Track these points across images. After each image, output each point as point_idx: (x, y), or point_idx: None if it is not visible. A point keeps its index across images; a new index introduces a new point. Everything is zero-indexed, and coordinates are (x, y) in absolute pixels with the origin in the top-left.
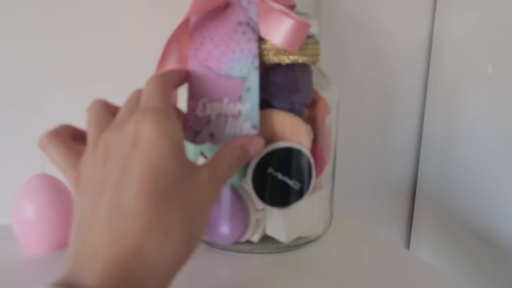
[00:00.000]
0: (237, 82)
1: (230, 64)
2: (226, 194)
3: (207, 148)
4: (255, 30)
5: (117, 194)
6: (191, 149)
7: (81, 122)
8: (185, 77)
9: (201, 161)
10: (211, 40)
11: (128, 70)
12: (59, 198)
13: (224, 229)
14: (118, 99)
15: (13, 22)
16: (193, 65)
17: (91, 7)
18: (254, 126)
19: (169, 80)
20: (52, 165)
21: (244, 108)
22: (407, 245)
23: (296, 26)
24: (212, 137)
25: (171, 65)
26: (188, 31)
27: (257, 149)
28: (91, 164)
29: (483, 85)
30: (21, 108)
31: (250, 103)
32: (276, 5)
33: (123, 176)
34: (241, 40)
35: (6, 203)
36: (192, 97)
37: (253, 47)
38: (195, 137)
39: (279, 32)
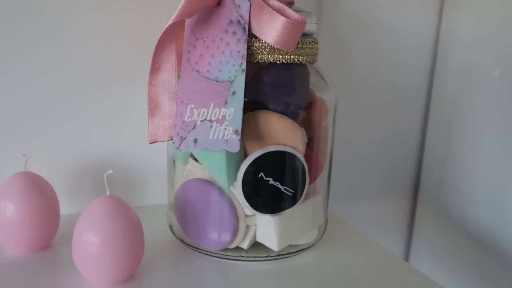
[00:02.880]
0: (224, 86)
1: (219, 67)
2: (214, 198)
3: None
4: (245, 29)
5: None
6: (181, 153)
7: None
8: None
9: (190, 164)
10: (204, 42)
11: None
12: (42, 197)
13: (212, 234)
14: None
15: None
16: (184, 70)
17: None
18: (236, 131)
19: None
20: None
21: (228, 113)
22: (408, 251)
23: (289, 24)
24: (196, 142)
25: (167, 71)
26: (183, 31)
27: None
28: None
29: (490, 89)
30: (4, 103)
31: (234, 108)
32: (272, 1)
33: None
34: (231, 40)
35: None
36: (182, 102)
37: (242, 48)
38: (180, 143)
39: (271, 30)
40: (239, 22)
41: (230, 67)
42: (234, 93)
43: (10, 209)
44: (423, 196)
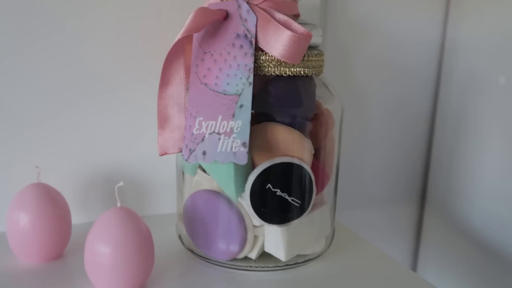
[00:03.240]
0: (231, 99)
1: (227, 80)
2: (223, 209)
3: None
4: (252, 43)
5: None
6: (189, 164)
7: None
8: None
9: (199, 175)
10: (211, 56)
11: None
12: (54, 208)
13: (221, 244)
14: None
15: None
16: (193, 83)
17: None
18: (244, 144)
19: None
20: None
21: (236, 126)
22: (415, 259)
23: (294, 37)
24: (204, 155)
25: (176, 85)
26: (191, 45)
27: None
28: None
29: (496, 95)
30: (16, 116)
31: (241, 120)
32: (278, 15)
33: None
34: (238, 54)
35: (1, 212)
36: (191, 115)
37: (249, 61)
38: (189, 155)
39: (277, 44)
40: (246, 36)
41: (238, 80)
42: (241, 106)
43: (23, 219)
44: (430, 204)
